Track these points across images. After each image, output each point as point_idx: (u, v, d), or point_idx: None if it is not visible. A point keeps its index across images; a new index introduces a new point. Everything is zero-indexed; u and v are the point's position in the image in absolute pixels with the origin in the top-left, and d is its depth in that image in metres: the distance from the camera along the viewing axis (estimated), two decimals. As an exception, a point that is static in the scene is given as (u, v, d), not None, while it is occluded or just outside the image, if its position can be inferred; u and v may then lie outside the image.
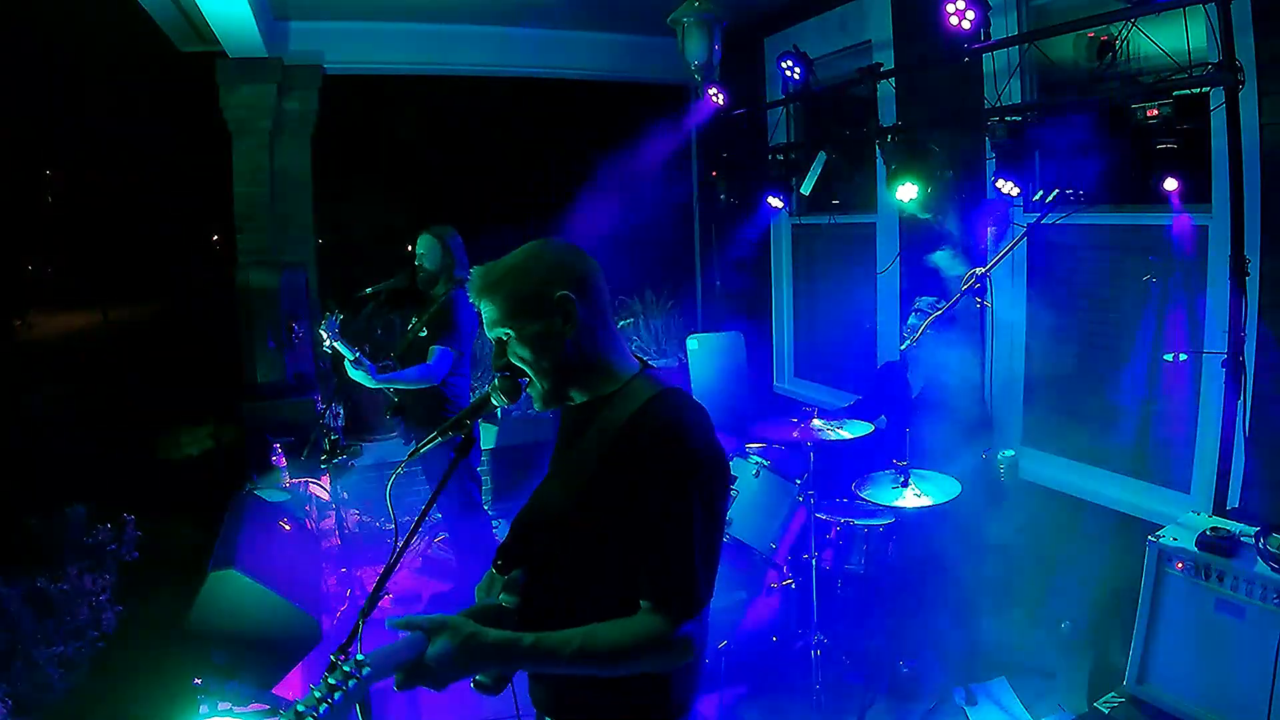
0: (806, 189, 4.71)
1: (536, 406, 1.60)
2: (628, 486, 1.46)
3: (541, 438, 5.65)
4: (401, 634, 1.36)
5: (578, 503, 1.54)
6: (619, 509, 1.47)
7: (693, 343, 5.99)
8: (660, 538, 1.44)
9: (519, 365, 1.57)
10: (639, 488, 1.45)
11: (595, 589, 1.50)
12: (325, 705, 1.24)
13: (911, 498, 3.43)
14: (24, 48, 5.33)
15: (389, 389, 3.99)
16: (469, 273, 1.61)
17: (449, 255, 3.96)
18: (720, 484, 1.51)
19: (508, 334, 1.55)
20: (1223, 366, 2.85)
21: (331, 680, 1.27)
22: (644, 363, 1.65)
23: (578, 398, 1.62)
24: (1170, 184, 2.97)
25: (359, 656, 1.30)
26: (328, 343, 3.79)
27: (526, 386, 1.60)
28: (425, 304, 4.04)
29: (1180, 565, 2.25)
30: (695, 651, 1.45)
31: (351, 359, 3.73)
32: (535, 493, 1.69)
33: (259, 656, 2.79)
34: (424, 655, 1.34)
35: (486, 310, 1.56)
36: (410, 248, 4.10)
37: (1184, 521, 2.42)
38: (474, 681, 1.51)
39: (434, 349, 3.82)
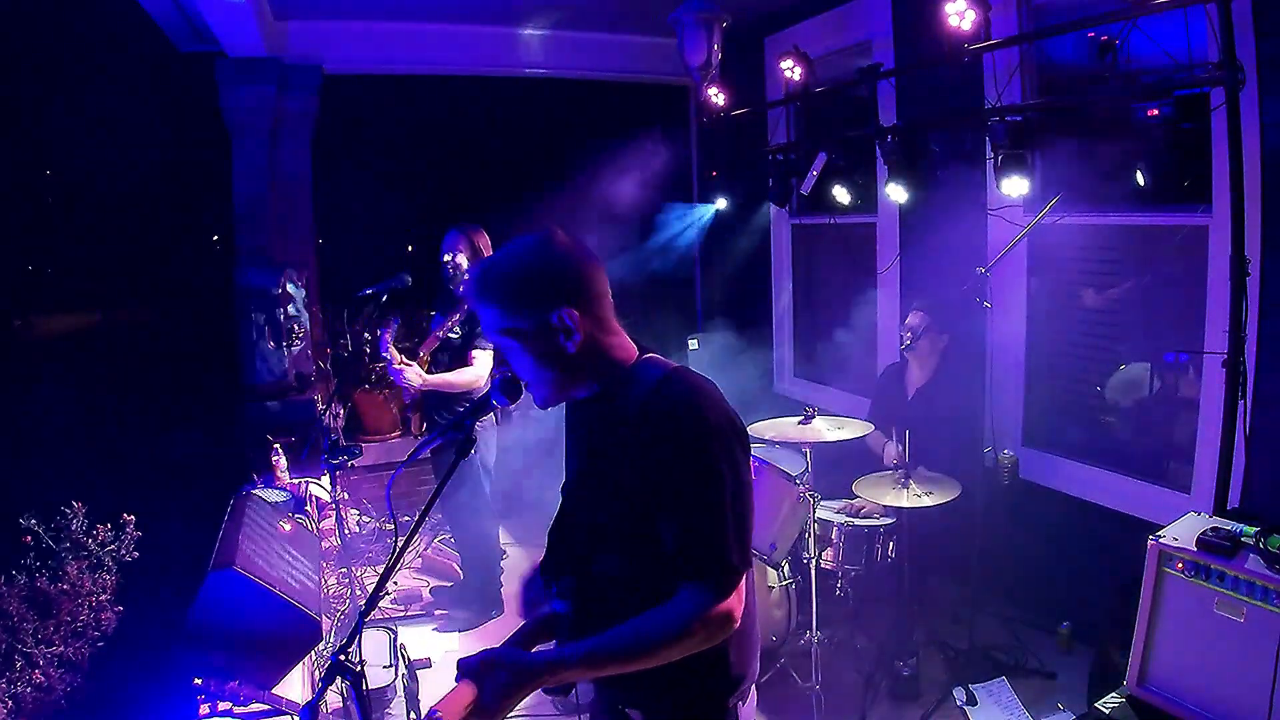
0: (806, 189, 4.71)
1: (539, 405, 1.59)
2: (652, 470, 1.45)
3: (541, 438, 5.65)
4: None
5: (609, 498, 1.54)
6: (650, 495, 1.46)
7: (693, 343, 5.99)
8: (688, 512, 1.43)
9: (520, 374, 1.57)
10: (662, 467, 1.44)
11: (646, 581, 1.49)
12: None
13: (911, 498, 3.43)
14: (23, 47, 5.32)
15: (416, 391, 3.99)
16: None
17: (477, 255, 3.95)
18: (742, 450, 1.49)
19: (508, 346, 1.53)
20: (1223, 366, 2.85)
21: None
22: (643, 348, 1.63)
23: (579, 394, 1.61)
24: (1170, 184, 2.98)
25: (434, 714, 1.31)
26: (392, 357, 3.79)
27: (526, 387, 1.59)
28: (451, 303, 4.01)
29: (1180, 565, 2.25)
30: (737, 621, 1.45)
31: (403, 364, 3.76)
32: (564, 497, 1.68)
33: (259, 656, 2.79)
34: (480, 695, 1.36)
35: (485, 316, 1.53)
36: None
37: (1184, 521, 2.41)
38: (544, 689, 1.51)
39: (480, 354, 3.84)
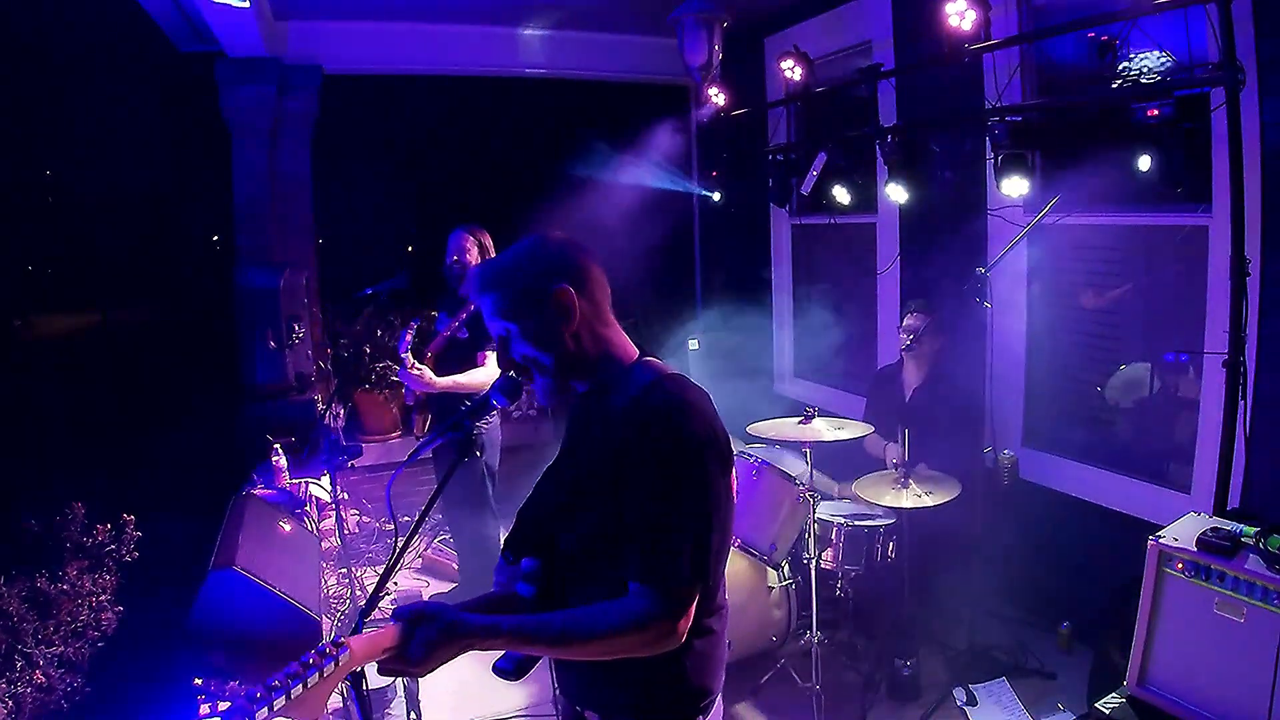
0: (807, 189, 4.72)
1: (540, 400, 1.61)
2: (623, 469, 1.46)
3: (541, 438, 5.65)
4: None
5: (579, 489, 1.55)
6: (616, 492, 1.47)
7: (693, 343, 5.99)
8: (647, 517, 1.43)
9: (521, 361, 1.58)
10: (633, 469, 1.45)
11: (607, 574, 1.49)
12: (298, 681, 1.23)
13: (911, 498, 3.43)
14: (23, 47, 5.32)
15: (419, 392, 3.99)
16: None
17: (485, 254, 3.96)
18: (721, 466, 1.48)
19: (509, 330, 1.56)
20: (1223, 366, 2.85)
21: (309, 660, 1.26)
22: (644, 351, 1.65)
23: (580, 388, 1.63)
24: (1170, 184, 2.98)
25: (338, 640, 1.30)
26: (411, 363, 3.79)
27: (527, 385, 1.61)
28: (456, 304, 4.01)
29: (1180, 565, 2.25)
30: (680, 636, 1.43)
31: (416, 368, 3.76)
32: (539, 482, 1.70)
33: (259, 656, 2.79)
34: (405, 642, 1.36)
35: (486, 307, 1.57)
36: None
37: (1184, 522, 2.41)
38: (495, 667, 1.53)
39: (491, 355, 3.83)
